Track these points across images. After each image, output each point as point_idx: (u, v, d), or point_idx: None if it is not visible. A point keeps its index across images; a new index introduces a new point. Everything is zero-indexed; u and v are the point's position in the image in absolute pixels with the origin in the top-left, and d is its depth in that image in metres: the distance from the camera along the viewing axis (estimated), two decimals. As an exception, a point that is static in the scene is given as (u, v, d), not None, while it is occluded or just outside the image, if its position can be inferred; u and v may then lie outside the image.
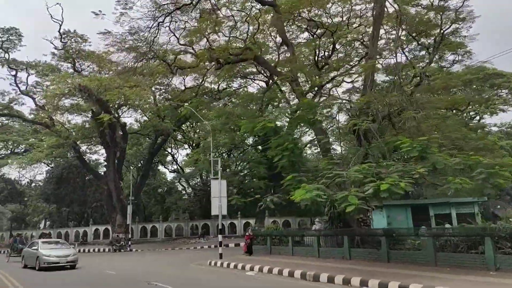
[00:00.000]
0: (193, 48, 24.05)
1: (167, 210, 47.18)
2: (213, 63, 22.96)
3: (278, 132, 15.48)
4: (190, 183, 50.06)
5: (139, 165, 49.10)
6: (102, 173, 41.72)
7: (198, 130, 47.33)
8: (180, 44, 23.99)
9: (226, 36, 23.22)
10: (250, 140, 38.09)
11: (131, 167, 41.03)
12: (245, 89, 39.98)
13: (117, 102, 35.31)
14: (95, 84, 29.56)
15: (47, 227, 51.63)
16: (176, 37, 23.51)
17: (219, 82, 38.87)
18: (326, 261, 14.74)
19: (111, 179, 36.28)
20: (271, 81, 32.71)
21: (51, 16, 34.60)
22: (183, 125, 45.79)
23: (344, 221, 16.13)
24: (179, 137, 50.54)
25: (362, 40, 25.79)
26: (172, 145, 52.82)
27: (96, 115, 34.93)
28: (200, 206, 40.19)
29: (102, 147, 36.87)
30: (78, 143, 41.11)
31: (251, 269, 14.89)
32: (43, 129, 45.26)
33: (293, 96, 35.53)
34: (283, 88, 32.14)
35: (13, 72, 40.43)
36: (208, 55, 21.38)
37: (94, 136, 39.37)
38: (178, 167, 55.94)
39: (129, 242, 33.81)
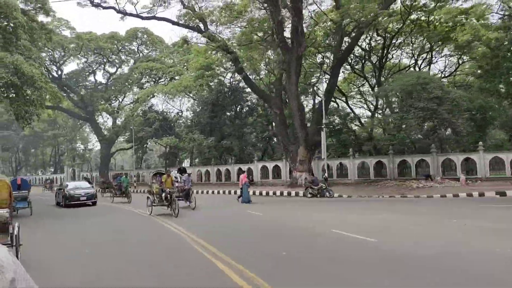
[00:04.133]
0: None
1: (344, 143, 35.77)
2: None
3: None
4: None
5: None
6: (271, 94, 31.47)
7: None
8: None
9: None
10: None
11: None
12: None
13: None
14: None
15: (196, 164, 45.43)
16: None
17: None
18: None
19: (293, 96, 25.48)
20: None
21: None
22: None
23: None
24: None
25: None
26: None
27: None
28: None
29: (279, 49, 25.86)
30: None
31: None
32: (190, 47, 37.12)
33: None
34: None
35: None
36: None
37: (266, 38, 28.34)
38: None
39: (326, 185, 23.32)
